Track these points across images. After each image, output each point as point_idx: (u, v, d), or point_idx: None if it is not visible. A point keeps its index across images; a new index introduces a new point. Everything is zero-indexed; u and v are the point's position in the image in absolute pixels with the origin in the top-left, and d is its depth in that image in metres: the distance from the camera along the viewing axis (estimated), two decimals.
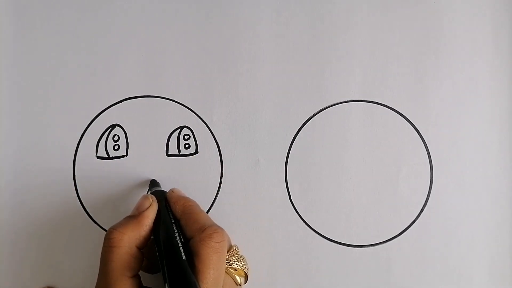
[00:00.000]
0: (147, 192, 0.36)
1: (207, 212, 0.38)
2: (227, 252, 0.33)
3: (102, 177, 0.38)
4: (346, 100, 0.38)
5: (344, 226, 0.38)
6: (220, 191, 0.38)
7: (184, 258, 0.29)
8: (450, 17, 0.38)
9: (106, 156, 0.38)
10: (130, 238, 0.30)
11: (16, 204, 0.38)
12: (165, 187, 0.37)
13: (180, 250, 0.29)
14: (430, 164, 0.38)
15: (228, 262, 0.33)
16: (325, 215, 0.38)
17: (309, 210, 0.38)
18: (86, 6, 0.39)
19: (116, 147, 0.38)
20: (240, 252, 0.36)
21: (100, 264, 0.30)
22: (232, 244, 0.35)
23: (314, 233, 0.38)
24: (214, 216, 0.38)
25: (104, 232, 0.37)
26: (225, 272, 0.32)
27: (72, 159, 0.38)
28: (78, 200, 0.38)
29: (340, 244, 0.38)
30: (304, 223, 0.38)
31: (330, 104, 0.38)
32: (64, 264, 0.37)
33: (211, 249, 0.30)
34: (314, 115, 0.38)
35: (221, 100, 0.38)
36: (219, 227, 0.31)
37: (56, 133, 0.38)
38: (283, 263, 0.37)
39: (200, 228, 0.31)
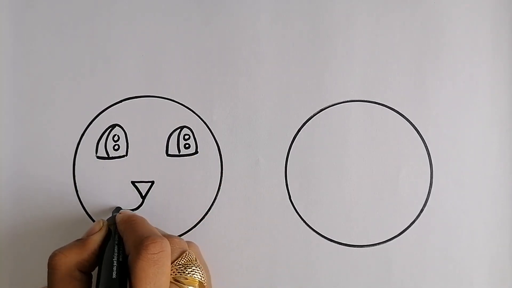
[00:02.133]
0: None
1: (207, 212, 0.38)
2: (177, 259, 0.31)
3: (102, 177, 0.38)
4: (346, 100, 0.38)
5: (344, 226, 0.38)
6: (220, 191, 0.38)
7: (114, 276, 0.28)
8: (450, 17, 0.38)
9: (106, 156, 0.38)
10: (72, 261, 0.30)
11: (16, 204, 0.38)
12: (165, 187, 0.37)
13: (113, 268, 0.29)
14: (430, 164, 0.38)
15: (178, 271, 0.30)
16: (325, 215, 0.38)
17: (309, 210, 0.38)
18: (86, 6, 0.39)
19: (116, 147, 0.38)
20: (195, 258, 0.33)
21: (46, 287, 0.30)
22: (187, 250, 0.32)
23: (314, 233, 0.38)
24: (214, 216, 0.38)
25: None
26: (174, 283, 0.30)
27: (72, 159, 0.38)
28: (78, 200, 0.38)
29: (340, 244, 0.38)
30: (304, 223, 0.38)
31: (330, 104, 0.38)
32: None
33: (148, 261, 0.28)
34: (314, 115, 0.38)
35: (221, 100, 0.38)
36: (159, 236, 0.29)
37: (56, 133, 0.38)
38: (283, 263, 0.37)
39: (136, 240, 0.29)
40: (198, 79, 0.38)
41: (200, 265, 0.32)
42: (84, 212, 0.38)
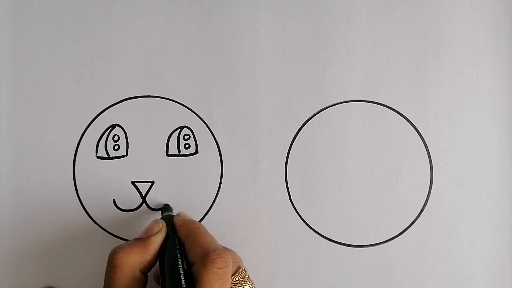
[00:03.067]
0: (161, 216, 0.36)
1: (207, 212, 0.38)
2: (234, 274, 0.32)
3: (102, 177, 0.38)
4: (346, 100, 0.38)
5: (344, 226, 0.38)
6: (220, 191, 0.38)
7: (183, 285, 0.28)
8: (450, 17, 0.38)
9: (106, 156, 0.38)
10: (134, 261, 0.30)
11: (16, 204, 0.38)
12: (165, 187, 0.37)
13: (180, 277, 0.29)
14: (430, 164, 0.38)
15: (235, 285, 0.32)
16: (325, 215, 0.38)
17: (309, 210, 0.38)
18: (86, 6, 0.39)
19: (116, 147, 0.38)
20: (248, 274, 0.34)
21: (104, 284, 0.30)
22: (241, 266, 0.34)
23: (314, 233, 0.38)
24: (214, 216, 0.38)
25: (105, 232, 0.37)
26: None
27: (72, 159, 0.38)
28: (78, 200, 0.38)
29: (340, 244, 0.38)
30: (304, 223, 0.38)
31: (330, 104, 0.38)
32: (64, 264, 0.37)
33: (214, 275, 0.28)
34: (314, 115, 0.38)
35: (221, 100, 0.38)
36: (223, 251, 0.30)
37: (56, 133, 0.38)
38: (283, 263, 0.37)
39: (203, 252, 0.30)
40: (198, 79, 0.38)
41: (253, 282, 0.33)
42: (84, 212, 0.38)
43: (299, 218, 0.38)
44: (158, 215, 0.37)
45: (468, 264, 0.37)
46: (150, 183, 0.38)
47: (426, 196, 0.38)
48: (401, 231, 0.37)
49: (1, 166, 0.38)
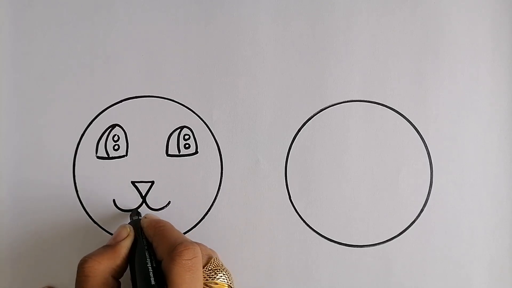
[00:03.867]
0: (129, 221, 0.36)
1: (207, 212, 0.38)
2: (206, 265, 0.32)
3: (102, 177, 0.38)
4: (346, 100, 0.38)
5: (344, 226, 0.38)
6: (220, 191, 0.38)
7: (153, 282, 0.28)
8: (450, 17, 0.38)
9: (106, 156, 0.38)
10: (106, 268, 0.30)
11: (16, 204, 0.38)
12: (165, 187, 0.37)
13: (149, 275, 0.29)
14: (430, 164, 0.38)
15: (209, 276, 0.32)
16: (325, 215, 0.38)
17: (309, 210, 0.38)
18: (86, 6, 0.39)
19: (116, 147, 0.38)
20: (222, 263, 0.34)
21: None
22: (213, 256, 0.34)
23: (314, 233, 0.38)
24: (214, 216, 0.38)
25: (104, 233, 0.37)
26: None
27: (72, 159, 0.38)
28: (78, 200, 0.38)
29: (340, 244, 0.38)
30: (304, 223, 0.38)
31: (330, 104, 0.38)
32: (64, 264, 0.37)
33: (182, 267, 0.28)
34: (314, 115, 0.38)
35: (221, 100, 0.38)
36: (191, 243, 0.30)
37: (56, 133, 0.38)
38: (283, 263, 0.37)
39: (169, 247, 0.29)
40: (198, 79, 0.38)
41: (228, 271, 0.33)
42: (84, 212, 0.38)
43: (299, 218, 0.38)
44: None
45: (468, 264, 0.37)
46: (150, 183, 0.38)
47: (426, 196, 0.38)
48: (401, 231, 0.37)
49: (1, 166, 0.38)
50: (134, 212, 0.37)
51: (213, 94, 0.38)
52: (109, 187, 0.38)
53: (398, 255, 0.37)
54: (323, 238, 0.38)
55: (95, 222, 0.38)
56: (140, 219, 0.35)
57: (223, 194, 0.38)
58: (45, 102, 0.38)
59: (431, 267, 0.37)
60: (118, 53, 0.39)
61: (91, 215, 0.38)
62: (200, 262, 0.30)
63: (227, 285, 0.32)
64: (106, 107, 0.38)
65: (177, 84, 0.38)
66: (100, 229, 0.38)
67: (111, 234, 0.37)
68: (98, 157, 0.38)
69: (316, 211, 0.38)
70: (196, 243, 0.32)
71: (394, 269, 0.37)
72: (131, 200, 0.38)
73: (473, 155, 0.38)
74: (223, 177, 0.38)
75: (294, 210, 0.38)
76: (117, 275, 0.31)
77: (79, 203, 0.38)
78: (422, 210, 0.37)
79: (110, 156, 0.38)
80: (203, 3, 0.39)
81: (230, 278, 0.33)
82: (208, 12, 0.39)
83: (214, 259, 0.33)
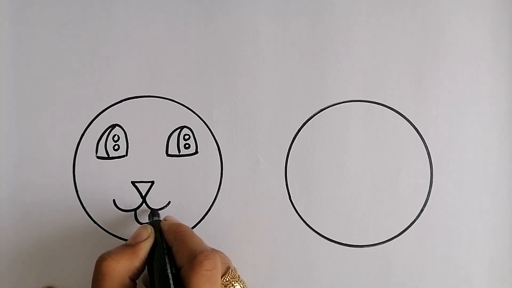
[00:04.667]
0: (148, 221, 0.36)
1: (207, 212, 0.38)
2: (224, 275, 0.32)
3: (102, 177, 0.38)
4: (346, 100, 0.38)
5: (344, 226, 0.38)
6: (220, 191, 0.38)
7: None
8: (450, 17, 0.38)
9: (106, 156, 0.38)
10: (124, 268, 0.29)
11: (16, 204, 0.38)
12: (165, 187, 0.37)
13: (169, 282, 0.28)
14: (430, 164, 0.38)
15: (225, 286, 0.32)
16: (325, 215, 0.38)
17: (309, 210, 0.38)
18: (86, 6, 0.39)
19: (116, 147, 0.38)
20: (239, 274, 0.34)
21: None
22: (231, 266, 0.34)
23: (314, 233, 0.38)
24: (214, 216, 0.38)
25: (105, 233, 0.37)
26: None
27: (72, 159, 0.38)
28: (78, 200, 0.38)
29: (340, 244, 0.38)
30: (304, 223, 0.38)
31: (330, 104, 0.38)
32: (64, 264, 0.37)
33: (202, 278, 0.28)
34: (314, 115, 0.38)
35: (221, 100, 0.38)
36: (211, 252, 0.30)
37: (56, 133, 0.38)
38: (283, 263, 0.37)
39: (190, 255, 0.29)
40: (198, 79, 0.38)
41: (244, 282, 0.33)
42: (84, 212, 0.38)
43: (299, 218, 0.38)
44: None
45: (468, 264, 0.37)
46: (150, 183, 0.38)
47: (426, 196, 0.38)
48: (401, 231, 0.37)
49: (1, 166, 0.38)
50: (153, 213, 0.36)
51: (213, 94, 0.38)
52: (109, 187, 0.38)
53: (398, 255, 0.37)
54: (323, 238, 0.38)
55: (95, 222, 0.38)
56: (160, 220, 0.35)
57: (223, 194, 0.38)
58: (45, 102, 0.38)
59: (431, 267, 0.37)
60: (118, 53, 0.39)
61: (91, 215, 0.38)
62: (219, 272, 0.29)
63: None
64: (106, 107, 0.38)
65: (177, 84, 0.38)
66: (100, 229, 0.38)
67: (111, 234, 0.37)
68: (98, 157, 0.38)
69: (316, 211, 0.38)
70: (215, 250, 0.32)
71: (394, 269, 0.37)
72: (131, 200, 0.38)
73: (473, 155, 0.38)
74: (223, 177, 0.38)
75: (294, 210, 0.38)
76: (134, 276, 0.30)
77: (79, 203, 0.38)
78: (422, 210, 0.37)
79: (110, 156, 0.38)
80: (203, 3, 0.39)
81: None
82: (208, 12, 0.39)
83: (232, 270, 0.33)
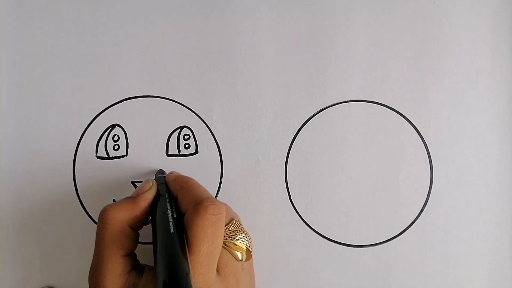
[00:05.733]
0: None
1: None
2: (228, 224, 0.32)
3: (102, 177, 0.38)
4: (346, 100, 0.38)
5: (344, 226, 0.38)
6: (220, 191, 0.38)
7: (172, 230, 0.28)
8: (450, 17, 0.38)
9: (106, 156, 0.38)
10: (124, 217, 0.30)
11: (16, 203, 0.38)
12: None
13: (169, 224, 0.29)
14: (430, 164, 0.38)
15: (229, 236, 0.32)
16: (325, 215, 0.38)
17: (309, 210, 0.38)
18: (86, 6, 0.39)
19: (116, 147, 0.38)
20: (244, 227, 0.34)
21: (95, 242, 0.30)
22: (235, 218, 0.34)
23: (314, 233, 0.38)
24: None
25: None
26: (224, 247, 0.31)
27: (72, 159, 0.38)
28: (78, 200, 0.38)
29: (340, 244, 0.38)
30: (304, 223, 0.38)
31: (330, 104, 0.38)
32: (63, 264, 0.37)
33: (206, 221, 0.28)
34: (314, 115, 0.38)
35: (221, 100, 0.38)
36: (216, 200, 0.30)
37: (56, 133, 0.38)
38: (283, 263, 0.37)
39: (196, 200, 0.30)
40: (198, 79, 0.38)
41: (248, 234, 0.33)
42: (84, 212, 0.38)
43: (299, 218, 0.38)
44: None
45: (468, 264, 0.37)
46: None
47: (426, 196, 0.38)
48: (401, 231, 0.37)
49: (1, 166, 0.38)
50: (159, 171, 0.37)
51: (213, 94, 0.38)
52: (109, 187, 0.38)
53: (398, 255, 0.37)
54: (323, 238, 0.38)
55: (95, 222, 0.38)
56: (165, 175, 0.35)
57: (223, 194, 0.38)
58: (45, 102, 0.38)
59: (431, 267, 0.37)
60: (118, 53, 0.39)
61: (91, 215, 0.38)
62: (223, 219, 0.30)
63: (245, 248, 0.32)
64: (106, 107, 0.38)
65: (177, 84, 0.38)
66: None
67: None
68: (98, 157, 0.38)
69: (316, 211, 0.38)
70: (222, 203, 0.32)
71: (394, 269, 0.37)
72: None
73: (473, 155, 0.38)
74: (223, 177, 0.38)
75: (294, 210, 0.38)
76: (135, 226, 0.31)
77: (79, 203, 0.38)
78: (422, 210, 0.37)
79: (110, 156, 0.38)
80: (203, 3, 0.39)
81: (249, 241, 0.33)
82: (208, 12, 0.39)
83: (236, 221, 0.33)
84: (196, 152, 0.38)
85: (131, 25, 0.39)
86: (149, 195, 0.32)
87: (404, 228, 0.37)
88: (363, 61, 0.38)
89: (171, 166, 0.38)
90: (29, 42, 0.39)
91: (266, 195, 0.38)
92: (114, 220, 0.30)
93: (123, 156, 0.38)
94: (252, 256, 0.34)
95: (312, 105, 0.38)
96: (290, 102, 0.38)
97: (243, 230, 0.33)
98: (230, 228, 0.32)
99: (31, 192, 0.38)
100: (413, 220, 0.37)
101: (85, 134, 0.38)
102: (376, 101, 0.38)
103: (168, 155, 0.38)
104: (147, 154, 0.38)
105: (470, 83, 0.38)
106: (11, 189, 0.38)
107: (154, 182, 0.33)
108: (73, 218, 0.38)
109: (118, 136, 0.38)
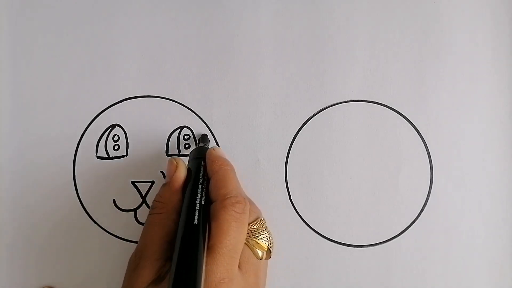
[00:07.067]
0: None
1: None
2: (252, 222, 0.33)
3: (102, 177, 0.38)
4: (346, 100, 0.38)
5: (344, 226, 0.38)
6: None
7: (196, 222, 0.29)
8: (450, 17, 0.38)
9: (106, 156, 0.38)
10: (171, 203, 0.31)
11: (16, 204, 0.38)
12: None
13: (195, 213, 0.29)
14: (430, 164, 0.38)
15: (252, 234, 0.33)
16: (325, 215, 0.38)
17: (309, 210, 0.38)
18: (86, 6, 0.39)
19: (116, 147, 0.38)
20: (267, 227, 0.35)
21: (143, 228, 0.32)
22: (261, 217, 0.34)
23: (314, 233, 0.38)
24: None
25: (105, 232, 0.37)
26: (246, 243, 0.32)
27: (72, 159, 0.38)
28: (78, 200, 0.38)
29: (340, 244, 0.38)
30: (304, 223, 0.38)
31: (330, 104, 0.38)
32: (64, 264, 0.37)
33: (231, 216, 0.29)
34: (314, 115, 0.38)
35: (221, 100, 0.38)
36: (244, 199, 0.31)
37: (56, 133, 0.38)
38: (283, 263, 0.37)
39: (225, 194, 0.31)
40: (198, 79, 0.39)
41: (271, 233, 0.34)
42: (84, 212, 0.38)
43: (299, 218, 0.38)
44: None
45: (468, 264, 0.37)
46: (150, 183, 0.38)
47: (426, 196, 0.38)
48: (401, 231, 0.37)
49: (1, 166, 0.38)
50: (203, 138, 0.37)
51: (213, 94, 0.38)
52: (109, 187, 0.38)
53: (398, 255, 0.37)
54: (323, 238, 0.38)
55: (95, 222, 0.38)
56: (207, 148, 0.35)
57: None
58: (45, 102, 0.38)
59: (431, 267, 0.37)
60: (118, 53, 0.39)
61: (91, 215, 0.38)
62: (247, 218, 0.31)
63: (266, 247, 0.33)
64: (106, 107, 0.38)
65: (177, 84, 0.38)
66: (100, 229, 0.38)
67: (111, 234, 0.37)
68: (98, 157, 0.38)
69: (316, 211, 0.38)
70: (248, 200, 0.33)
71: (394, 269, 0.37)
72: (131, 200, 0.38)
73: (473, 155, 0.38)
74: None
75: (294, 210, 0.38)
76: (180, 208, 0.32)
77: (79, 203, 0.38)
78: (422, 210, 0.37)
79: (110, 156, 0.38)
80: (203, 3, 0.39)
81: (271, 241, 0.34)
82: (208, 12, 0.39)
83: (260, 219, 0.34)
84: None
85: (131, 25, 0.39)
86: (180, 174, 0.32)
87: (404, 228, 0.37)
88: (363, 61, 0.38)
89: None
90: (29, 42, 0.39)
91: (266, 195, 0.38)
92: (163, 209, 0.31)
93: (123, 156, 0.38)
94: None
95: (312, 105, 0.38)
96: (290, 102, 0.38)
97: (267, 229, 0.34)
98: (254, 227, 0.33)
99: (31, 192, 0.38)
100: (413, 220, 0.37)
101: (85, 134, 0.38)
102: (376, 101, 0.38)
103: (168, 155, 0.38)
104: (147, 154, 0.38)
105: (470, 83, 0.38)
106: (11, 189, 0.38)
107: (178, 159, 0.33)
108: (73, 218, 0.38)
109: (118, 136, 0.38)
